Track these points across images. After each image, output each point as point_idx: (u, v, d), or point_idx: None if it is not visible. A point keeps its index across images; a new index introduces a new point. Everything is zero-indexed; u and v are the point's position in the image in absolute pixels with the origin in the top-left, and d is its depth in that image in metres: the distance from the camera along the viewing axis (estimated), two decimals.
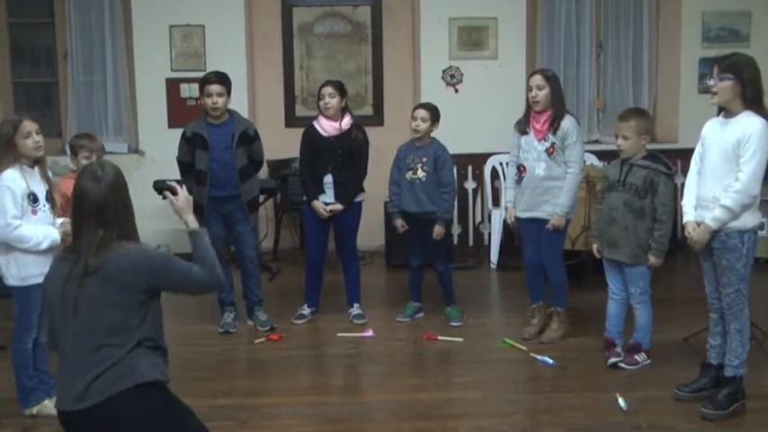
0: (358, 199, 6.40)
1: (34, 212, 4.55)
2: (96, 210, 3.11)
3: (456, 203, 8.33)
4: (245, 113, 7.15)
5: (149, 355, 3.12)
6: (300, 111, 8.93)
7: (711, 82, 4.50)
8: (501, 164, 8.23)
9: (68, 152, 5.45)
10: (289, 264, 8.32)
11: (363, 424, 4.66)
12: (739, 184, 4.39)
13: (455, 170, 6.43)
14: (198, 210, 6.20)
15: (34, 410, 4.70)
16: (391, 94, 8.96)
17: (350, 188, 6.30)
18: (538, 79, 5.74)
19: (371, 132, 6.54)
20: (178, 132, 6.35)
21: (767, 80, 4.60)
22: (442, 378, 5.43)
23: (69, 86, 8.73)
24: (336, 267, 6.73)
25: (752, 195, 4.42)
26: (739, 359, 4.60)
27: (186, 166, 6.22)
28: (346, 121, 6.28)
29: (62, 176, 5.51)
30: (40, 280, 4.51)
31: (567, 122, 5.71)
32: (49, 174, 4.76)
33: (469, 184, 8.79)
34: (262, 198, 7.18)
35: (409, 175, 6.21)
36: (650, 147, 5.33)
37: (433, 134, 6.24)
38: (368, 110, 8.93)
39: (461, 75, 8.68)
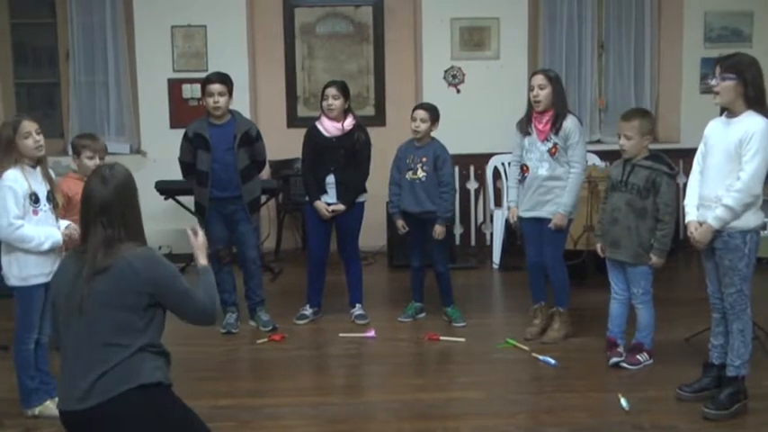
0: (360, 199, 6.40)
1: (36, 213, 4.55)
2: (101, 210, 3.14)
3: (458, 203, 8.38)
4: (246, 114, 7.16)
5: (153, 358, 3.14)
6: (302, 111, 8.94)
7: (714, 82, 4.50)
8: (503, 164, 8.22)
9: (70, 152, 5.45)
10: (291, 264, 8.32)
11: (365, 424, 4.66)
12: (741, 183, 4.39)
13: (457, 170, 6.43)
14: (200, 210, 6.24)
15: (36, 411, 4.70)
16: (393, 94, 8.96)
17: (352, 188, 6.30)
18: (540, 79, 5.74)
19: (373, 133, 6.54)
20: (180, 133, 6.35)
21: None
22: (444, 378, 5.43)
23: (71, 87, 8.74)
24: (338, 268, 6.73)
25: (753, 194, 4.41)
26: (741, 359, 4.59)
27: (188, 166, 6.22)
28: (349, 122, 6.28)
29: (64, 177, 5.51)
30: (42, 280, 4.56)
31: (570, 122, 5.70)
32: (52, 174, 4.76)
33: (471, 185, 8.79)
34: (263, 198, 7.18)
35: (409, 175, 6.21)
36: (652, 147, 5.32)
37: (434, 134, 6.24)
38: (369, 110, 8.93)
39: (463, 75, 8.68)
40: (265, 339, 6.08)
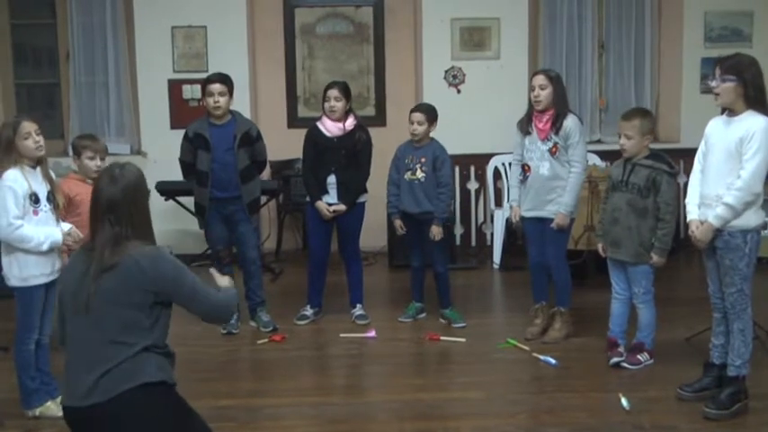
0: (361, 200, 6.40)
1: (36, 213, 4.55)
2: (108, 208, 3.16)
3: (458, 204, 8.38)
4: (247, 114, 7.16)
5: (157, 358, 3.15)
6: (303, 111, 8.94)
7: (714, 83, 4.50)
8: (503, 164, 8.23)
9: (71, 153, 5.45)
10: (291, 264, 8.32)
11: (366, 424, 4.66)
12: (741, 181, 4.39)
13: (457, 170, 6.43)
14: (200, 210, 6.24)
15: (37, 412, 4.70)
16: (393, 94, 8.96)
17: (353, 189, 6.30)
18: (540, 79, 5.74)
19: (373, 133, 6.54)
20: (180, 133, 6.35)
21: None
22: (445, 378, 5.43)
23: (71, 87, 8.74)
24: (339, 268, 6.73)
25: (754, 193, 4.41)
26: (742, 359, 4.59)
27: (188, 166, 6.22)
28: (350, 122, 6.28)
29: (65, 177, 5.51)
30: (42, 281, 4.56)
31: (570, 122, 5.70)
32: (52, 174, 4.76)
33: (472, 185, 8.79)
34: (264, 199, 7.18)
35: (408, 175, 6.22)
36: (652, 146, 5.32)
37: (434, 134, 6.24)
38: (370, 110, 8.93)
39: (463, 75, 8.68)
40: (266, 340, 6.08)
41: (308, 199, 6.43)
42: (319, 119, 6.38)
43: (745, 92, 4.41)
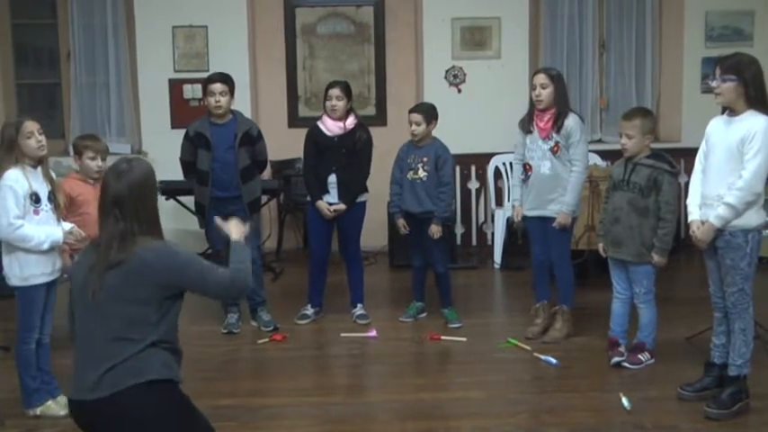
0: (361, 199, 6.40)
1: (36, 212, 4.55)
2: (113, 203, 3.15)
3: (459, 203, 8.38)
4: (247, 114, 7.16)
5: (164, 354, 3.14)
6: (303, 111, 8.94)
7: (714, 83, 4.50)
8: (504, 164, 8.23)
9: (71, 153, 5.46)
10: (292, 264, 8.32)
11: (367, 424, 4.65)
12: (742, 181, 4.38)
13: (458, 170, 6.43)
14: (200, 210, 6.24)
15: (38, 411, 4.69)
16: (394, 94, 8.96)
17: (353, 188, 6.29)
18: (542, 78, 5.74)
19: (374, 133, 6.53)
20: (181, 133, 6.35)
21: None
22: (446, 378, 5.44)
23: (72, 87, 8.75)
24: (340, 267, 6.72)
25: (755, 193, 4.41)
26: (743, 358, 4.59)
27: (188, 166, 6.22)
28: (350, 121, 6.28)
29: (66, 177, 5.51)
30: (43, 280, 4.57)
31: (571, 121, 5.70)
32: (52, 174, 4.76)
33: (473, 184, 8.79)
34: (264, 198, 7.18)
35: (410, 174, 6.21)
36: (653, 146, 5.32)
37: (435, 133, 6.24)
38: (371, 110, 8.93)
39: (464, 75, 8.68)
40: (267, 339, 6.08)
41: (308, 198, 6.43)
42: (320, 118, 6.38)
43: (746, 91, 4.40)
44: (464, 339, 5.99)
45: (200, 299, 3.34)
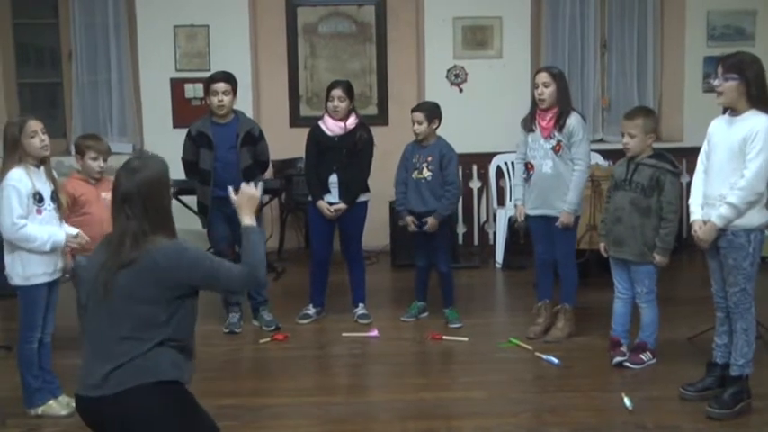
0: (363, 199, 6.39)
1: (39, 212, 4.55)
2: (123, 200, 3.13)
3: (461, 203, 8.37)
4: (249, 113, 7.16)
5: (172, 354, 3.13)
6: (305, 111, 8.94)
7: (716, 82, 4.49)
8: (506, 163, 8.23)
9: (73, 152, 5.45)
10: (294, 264, 8.32)
11: (368, 424, 4.65)
12: (744, 181, 4.38)
13: (460, 169, 6.42)
14: (202, 209, 6.24)
15: (39, 411, 4.69)
16: (396, 93, 8.96)
17: (353, 187, 6.29)
18: (544, 77, 5.74)
19: (376, 132, 6.53)
20: (182, 132, 6.35)
21: None
22: (447, 378, 5.43)
23: (74, 87, 8.76)
24: (341, 267, 6.72)
25: (757, 192, 4.40)
26: (745, 358, 4.58)
27: (191, 165, 6.22)
28: (351, 121, 6.28)
29: (68, 177, 5.52)
30: (45, 279, 4.57)
31: (573, 120, 5.70)
32: (54, 174, 4.76)
33: (474, 184, 8.78)
34: (266, 198, 7.18)
35: (415, 174, 6.21)
36: (655, 146, 5.31)
37: (438, 132, 6.23)
38: (372, 110, 8.93)
39: (466, 74, 8.68)
40: (268, 339, 6.08)
41: (310, 198, 6.43)
42: (321, 118, 6.38)
43: (748, 90, 4.40)
44: (466, 339, 5.99)
45: (200, 298, 3.33)
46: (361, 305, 6.52)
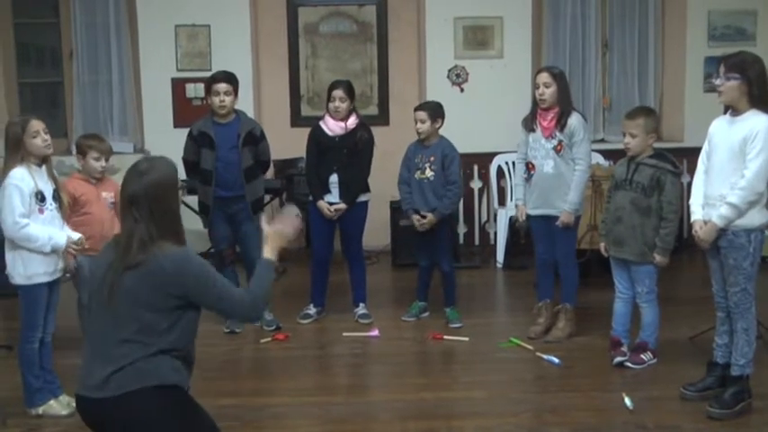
0: (363, 199, 6.39)
1: (41, 211, 4.56)
2: (129, 203, 3.12)
3: (462, 203, 8.36)
4: (250, 113, 7.15)
5: (172, 361, 3.11)
6: (306, 110, 8.94)
7: (718, 81, 4.49)
8: (507, 163, 8.23)
9: (74, 152, 5.45)
10: (294, 264, 8.31)
11: (369, 424, 4.65)
12: (745, 181, 4.38)
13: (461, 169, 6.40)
14: (204, 209, 6.24)
15: (40, 410, 4.70)
16: (396, 93, 8.95)
17: (353, 187, 6.29)
18: (545, 77, 5.74)
19: (376, 132, 6.53)
20: (183, 132, 6.35)
21: None
22: (448, 378, 5.43)
23: (75, 86, 8.75)
24: (342, 267, 6.72)
25: (757, 192, 4.40)
26: (746, 358, 4.58)
27: (192, 165, 6.22)
28: (352, 121, 6.28)
29: (69, 177, 5.52)
30: (46, 279, 4.57)
31: (574, 120, 5.70)
32: (55, 173, 4.76)
33: (475, 184, 8.78)
34: (267, 198, 7.18)
35: (417, 174, 6.21)
36: (655, 146, 5.31)
37: (439, 132, 6.22)
38: (373, 109, 8.93)
39: (467, 74, 8.67)
40: (269, 339, 6.08)
41: (310, 198, 6.43)
42: (322, 118, 6.38)
43: (749, 90, 4.40)
44: (466, 339, 5.99)
45: None
46: (361, 305, 6.53)
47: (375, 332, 6.17)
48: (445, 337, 6.03)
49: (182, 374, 3.15)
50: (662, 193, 5.13)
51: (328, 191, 6.30)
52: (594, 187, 6.84)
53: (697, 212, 4.66)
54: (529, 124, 5.87)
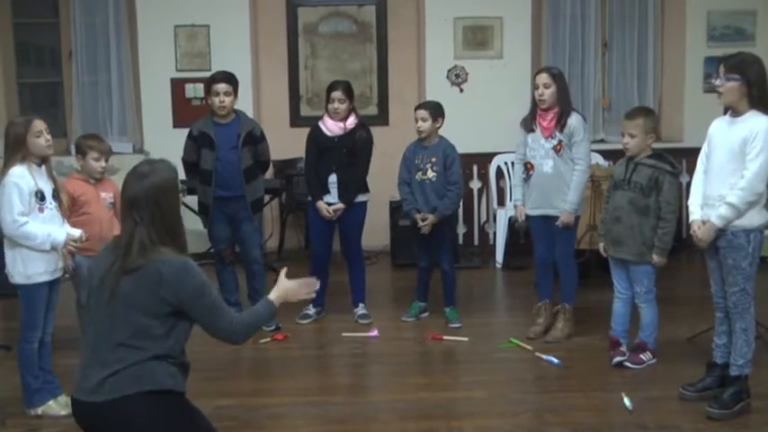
0: (362, 199, 6.39)
1: (41, 210, 4.56)
2: (129, 206, 3.11)
3: (461, 203, 8.37)
4: (250, 113, 7.15)
5: (168, 367, 3.10)
6: (305, 110, 8.94)
7: (718, 82, 4.49)
8: (506, 163, 8.22)
9: (73, 152, 5.45)
10: (294, 264, 8.25)
11: (368, 424, 4.65)
12: (744, 181, 4.39)
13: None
14: (203, 210, 6.25)
15: (39, 411, 4.69)
16: (396, 93, 8.96)
17: (351, 187, 6.29)
18: (544, 77, 5.74)
19: (376, 132, 6.54)
20: (183, 132, 6.35)
21: None
22: (448, 378, 5.43)
23: (74, 86, 8.74)
24: (342, 267, 6.72)
25: (756, 193, 4.41)
26: (744, 358, 4.58)
27: (191, 165, 6.22)
28: (351, 121, 6.28)
29: (68, 177, 5.51)
30: (46, 278, 4.57)
31: (574, 120, 5.71)
32: (54, 173, 4.76)
33: (475, 184, 8.78)
34: (266, 198, 7.18)
35: (419, 175, 6.20)
36: (655, 146, 5.31)
37: (439, 132, 6.22)
38: (372, 110, 8.93)
39: (466, 74, 8.67)
40: (268, 339, 6.07)
41: (310, 198, 6.43)
42: (321, 118, 6.38)
43: (749, 91, 4.40)
44: (466, 339, 5.99)
45: None
46: (361, 305, 6.53)
47: (374, 332, 6.17)
48: (445, 337, 6.03)
49: (177, 380, 3.14)
50: (660, 193, 5.13)
51: (327, 191, 6.30)
52: (594, 187, 6.84)
53: (696, 212, 4.66)
54: (528, 124, 5.87)
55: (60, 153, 8.07)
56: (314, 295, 3.60)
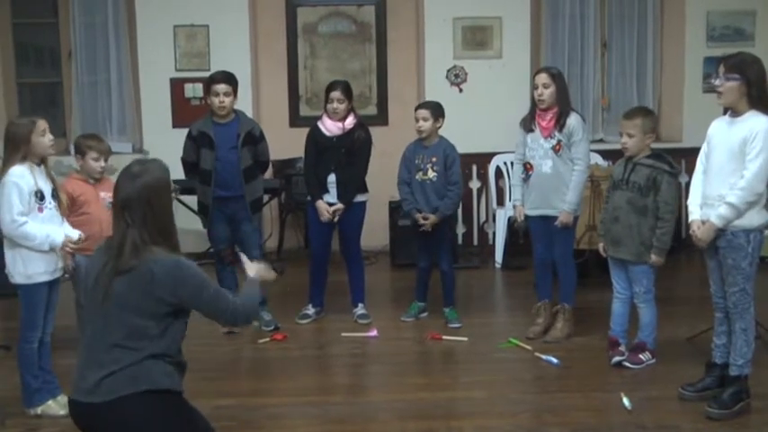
0: (361, 199, 6.39)
1: (41, 210, 4.56)
2: (122, 206, 3.11)
3: (460, 203, 8.38)
4: (249, 113, 7.15)
5: (165, 366, 3.10)
6: (304, 110, 8.94)
7: (717, 82, 4.49)
8: (505, 163, 8.23)
9: (73, 152, 5.45)
10: (293, 263, 8.32)
11: (368, 424, 4.65)
12: (744, 181, 4.39)
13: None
14: (203, 210, 6.24)
15: (39, 410, 4.69)
16: (395, 93, 8.96)
17: (350, 187, 6.29)
18: (543, 78, 5.74)
19: (375, 132, 6.53)
20: (182, 132, 6.35)
21: None
22: (447, 378, 5.43)
23: (73, 86, 8.75)
24: (341, 267, 6.72)
25: (756, 193, 4.41)
26: (744, 358, 4.58)
27: (191, 165, 6.22)
28: (349, 121, 6.28)
29: (67, 177, 5.51)
30: (46, 278, 4.57)
31: (573, 120, 5.71)
32: (52, 173, 4.76)
33: (474, 184, 8.78)
34: (265, 198, 7.18)
35: (420, 176, 6.20)
36: (654, 146, 5.32)
37: (439, 132, 6.22)
38: (372, 109, 8.94)
39: (466, 74, 8.67)
40: (267, 339, 6.07)
41: (309, 198, 6.43)
42: (320, 118, 6.38)
43: (749, 91, 4.40)
44: (465, 339, 5.99)
45: None
46: (360, 305, 6.53)
47: (374, 332, 6.17)
48: (444, 337, 6.03)
49: (174, 379, 3.14)
50: (658, 193, 5.13)
51: (327, 191, 6.30)
52: (593, 187, 6.85)
53: (695, 212, 4.66)
54: (527, 125, 5.87)
55: (60, 153, 8.05)
56: (275, 274, 3.73)
